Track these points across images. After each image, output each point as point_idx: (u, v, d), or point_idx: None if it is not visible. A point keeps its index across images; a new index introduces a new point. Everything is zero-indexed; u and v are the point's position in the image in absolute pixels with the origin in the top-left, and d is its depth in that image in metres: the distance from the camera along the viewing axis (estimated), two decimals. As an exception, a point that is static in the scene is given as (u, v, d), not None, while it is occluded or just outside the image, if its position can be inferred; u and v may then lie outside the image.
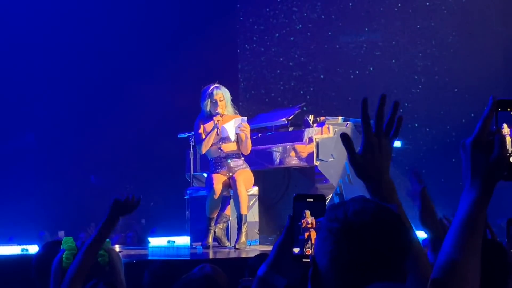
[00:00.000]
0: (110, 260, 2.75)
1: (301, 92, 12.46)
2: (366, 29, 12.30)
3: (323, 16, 12.60)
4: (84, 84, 12.86)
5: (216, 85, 7.33)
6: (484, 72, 11.18)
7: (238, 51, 13.14)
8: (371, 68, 12.19)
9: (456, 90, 11.55)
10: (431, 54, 11.93)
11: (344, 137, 1.70)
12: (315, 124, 8.21)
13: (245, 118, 7.38)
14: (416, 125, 11.62)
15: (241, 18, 13.15)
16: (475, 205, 1.45)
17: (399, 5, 12.17)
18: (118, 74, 13.01)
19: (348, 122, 8.42)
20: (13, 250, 6.98)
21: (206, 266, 3.35)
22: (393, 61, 12.07)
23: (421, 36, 12.00)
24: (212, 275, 2.90)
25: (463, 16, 11.71)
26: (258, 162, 8.22)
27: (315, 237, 1.84)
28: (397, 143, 8.92)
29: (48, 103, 12.72)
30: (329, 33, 12.50)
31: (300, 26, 12.75)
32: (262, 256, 4.00)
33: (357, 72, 12.22)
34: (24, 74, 12.56)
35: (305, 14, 12.71)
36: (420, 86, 11.94)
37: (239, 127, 7.17)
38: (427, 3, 12.06)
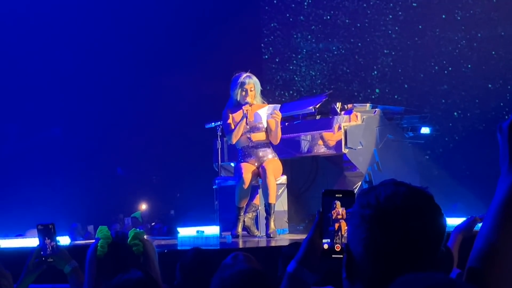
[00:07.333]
0: (144, 250, 2.75)
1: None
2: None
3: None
4: (110, 76, 12.90)
5: (248, 74, 7.26)
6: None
7: (262, 45, 13.10)
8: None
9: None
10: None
11: None
12: (343, 112, 8.15)
13: (278, 105, 7.31)
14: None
15: (266, 8, 13.09)
16: None
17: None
18: (144, 65, 13.04)
19: (376, 109, 8.34)
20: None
21: (239, 255, 3.33)
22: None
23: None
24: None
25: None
26: (286, 150, 8.19)
27: (345, 228, 1.83)
28: (426, 130, 8.81)
29: (74, 96, 12.78)
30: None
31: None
32: (295, 244, 4.00)
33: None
34: (51, 68, 12.62)
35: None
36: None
37: (271, 114, 7.12)
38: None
